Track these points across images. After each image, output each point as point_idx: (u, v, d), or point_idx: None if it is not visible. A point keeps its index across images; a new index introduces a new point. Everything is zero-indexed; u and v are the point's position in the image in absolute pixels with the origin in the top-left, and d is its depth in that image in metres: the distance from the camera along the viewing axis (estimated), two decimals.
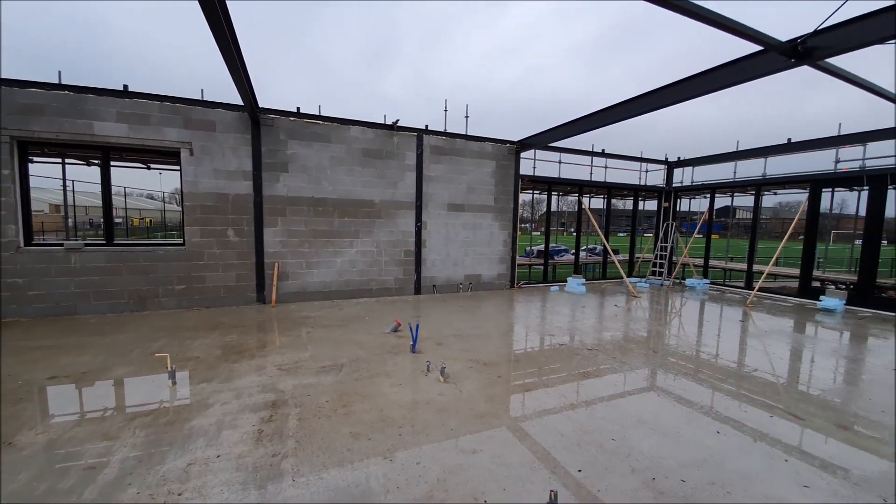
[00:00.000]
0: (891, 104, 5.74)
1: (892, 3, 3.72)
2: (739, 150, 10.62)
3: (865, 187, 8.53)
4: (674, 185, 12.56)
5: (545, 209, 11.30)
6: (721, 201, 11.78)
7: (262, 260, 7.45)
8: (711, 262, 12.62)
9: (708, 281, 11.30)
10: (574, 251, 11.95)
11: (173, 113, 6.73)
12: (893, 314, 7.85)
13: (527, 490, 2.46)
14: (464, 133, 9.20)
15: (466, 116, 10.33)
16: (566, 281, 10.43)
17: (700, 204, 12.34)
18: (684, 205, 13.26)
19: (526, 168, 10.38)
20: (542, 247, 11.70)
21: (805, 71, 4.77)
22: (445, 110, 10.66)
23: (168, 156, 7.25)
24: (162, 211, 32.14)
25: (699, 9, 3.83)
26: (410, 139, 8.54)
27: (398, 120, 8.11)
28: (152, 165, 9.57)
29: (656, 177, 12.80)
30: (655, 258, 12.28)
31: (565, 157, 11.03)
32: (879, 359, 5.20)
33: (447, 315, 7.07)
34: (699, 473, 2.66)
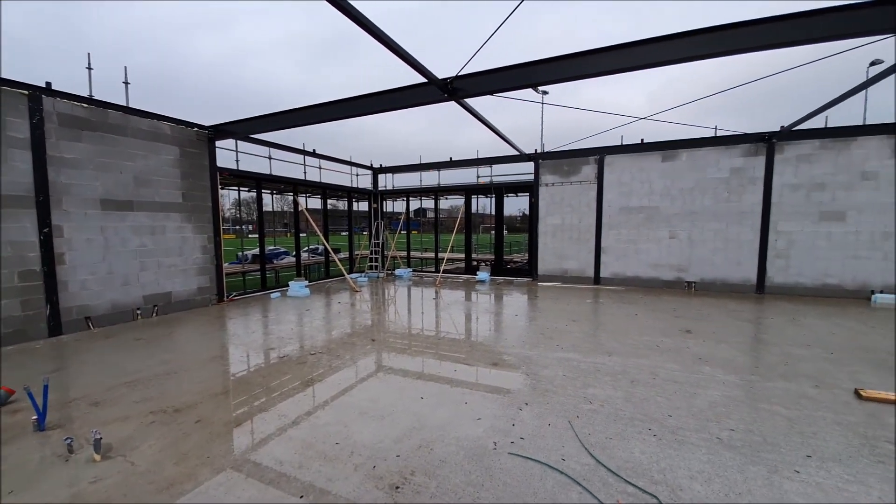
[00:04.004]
0: (501, 139, 8.61)
1: (495, 67, 5.44)
2: (422, 163, 13.26)
3: (493, 195, 12.58)
4: (380, 188, 14.28)
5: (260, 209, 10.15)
6: (414, 203, 14.47)
7: None
8: (413, 254, 15.34)
9: (411, 270, 13.59)
10: (295, 253, 11.40)
11: None
12: (512, 277, 12.04)
13: None
14: (124, 104, 6.77)
15: (126, 82, 7.60)
16: (288, 285, 9.80)
17: (402, 206, 14.73)
18: (391, 206, 15.37)
19: (228, 161, 8.96)
20: (257, 251, 10.46)
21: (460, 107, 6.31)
22: (89, 67, 7.35)
23: None
24: None
25: (384, 35, 4.27)
26: (16, 99, 5.44)
27: None
28: None
29: (366, 180, 14.14)
30: (371, 254, 13.59)
31: (277, 153, 10.28)
32: (508, 309, 7.73)
33: (113, 356, 5.02)
34: (410, 442, 2.95)
